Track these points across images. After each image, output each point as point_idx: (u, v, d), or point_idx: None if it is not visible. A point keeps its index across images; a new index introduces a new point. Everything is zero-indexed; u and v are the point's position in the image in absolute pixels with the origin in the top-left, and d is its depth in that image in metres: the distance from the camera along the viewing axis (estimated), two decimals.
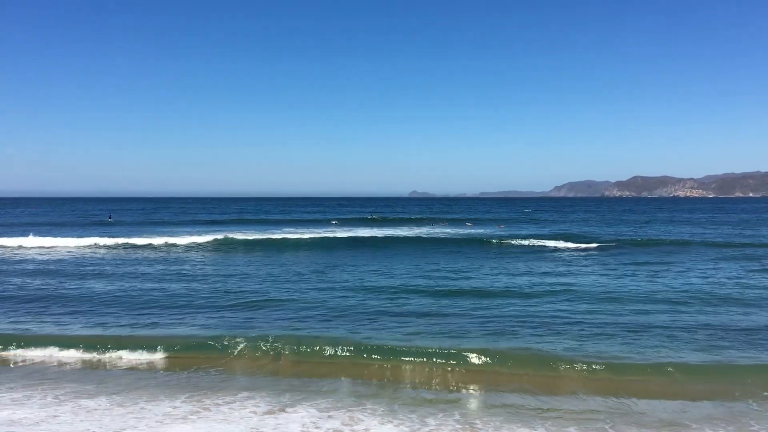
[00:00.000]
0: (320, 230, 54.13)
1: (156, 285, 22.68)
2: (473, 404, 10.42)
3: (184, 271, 26.78)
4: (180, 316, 16.93)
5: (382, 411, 9.89)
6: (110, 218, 75.68)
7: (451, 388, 11.30)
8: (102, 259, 32.11)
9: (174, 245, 38.89)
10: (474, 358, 12.44)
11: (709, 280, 23.21)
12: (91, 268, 28.19)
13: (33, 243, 39.69)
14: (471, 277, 24.41)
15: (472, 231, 53.59)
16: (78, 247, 38.06)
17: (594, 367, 11.84)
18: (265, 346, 13.33)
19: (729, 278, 23.62)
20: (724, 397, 10.60)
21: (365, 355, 12.85)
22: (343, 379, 11.83)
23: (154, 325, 15.91)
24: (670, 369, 11.74)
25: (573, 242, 39.20)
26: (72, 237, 43.42)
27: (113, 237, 43.03)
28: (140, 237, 43.46)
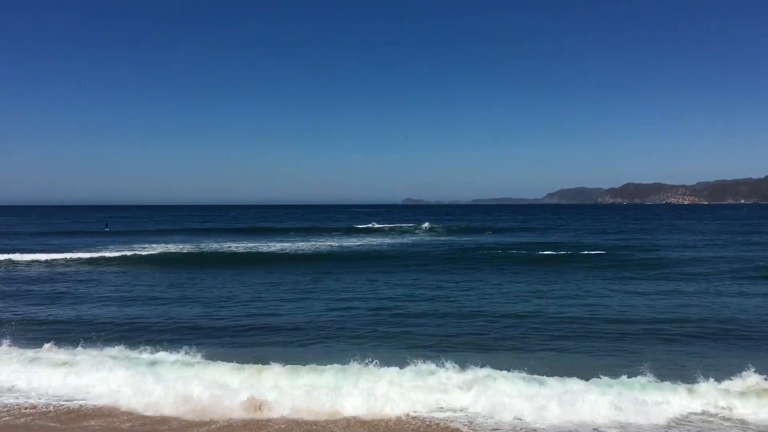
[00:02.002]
0: (318, 240, 53.62)
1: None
2: None
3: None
4: None
5: None
6: (107, 227, 74.85)
7: None
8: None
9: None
10: None
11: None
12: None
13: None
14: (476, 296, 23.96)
15: (468, 239, 53.20)
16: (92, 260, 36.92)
17: None
18: None
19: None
20: None
21: None
22: None
23: None
24: None
25: (584, 251, 38.71)
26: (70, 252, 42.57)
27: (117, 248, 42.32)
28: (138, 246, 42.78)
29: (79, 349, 13.99)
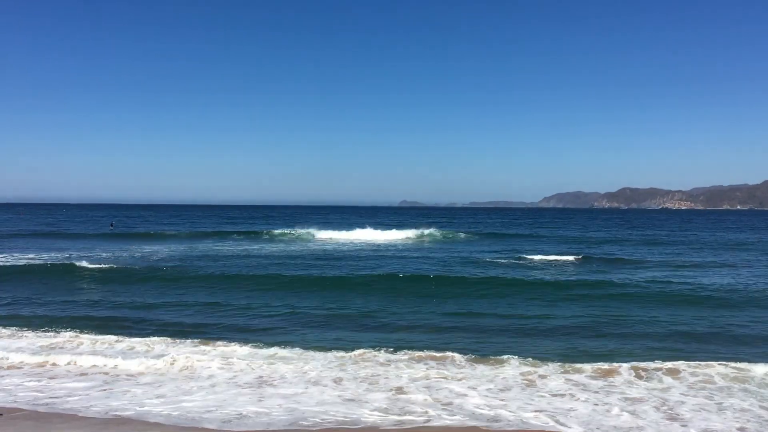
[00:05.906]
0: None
1: None
2: None
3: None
4: None
5: None
6: (112, 226, 72.92)
7: None
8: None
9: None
10: None
11: None
12: None
13: None
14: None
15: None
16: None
17: None
18: None
19: None
20: None
21: None
22: None
23: None
24: None
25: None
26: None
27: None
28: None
29: None
